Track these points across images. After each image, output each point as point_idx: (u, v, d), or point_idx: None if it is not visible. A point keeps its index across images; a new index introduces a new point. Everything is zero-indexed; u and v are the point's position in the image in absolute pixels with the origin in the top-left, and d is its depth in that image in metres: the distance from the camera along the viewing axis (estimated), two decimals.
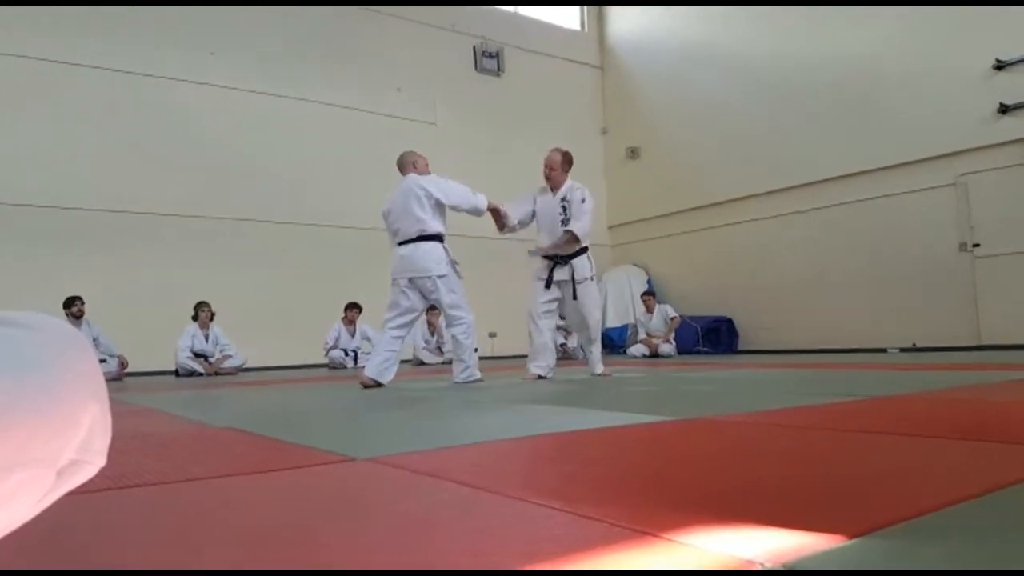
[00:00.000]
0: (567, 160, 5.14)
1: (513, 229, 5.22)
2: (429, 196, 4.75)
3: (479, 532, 1.00)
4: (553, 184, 5.14)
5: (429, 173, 4.98)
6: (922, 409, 2.57)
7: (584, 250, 5.08)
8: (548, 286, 5.08)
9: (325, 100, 10.50)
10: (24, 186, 8.40)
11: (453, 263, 4.83)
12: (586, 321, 5.12)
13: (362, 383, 4.69)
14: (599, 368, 5.21)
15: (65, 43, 8.83)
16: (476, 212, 4.92)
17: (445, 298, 4.79)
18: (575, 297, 5.02)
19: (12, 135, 8.45)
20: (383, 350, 4.83)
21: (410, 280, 4.80)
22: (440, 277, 4.74)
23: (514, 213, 5.13)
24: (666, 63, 12.11)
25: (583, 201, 4.98)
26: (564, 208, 5.00)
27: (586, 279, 5.05)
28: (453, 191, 4.83)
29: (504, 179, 11.64)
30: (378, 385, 4.67)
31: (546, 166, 5.16)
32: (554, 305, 5.14)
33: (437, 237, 4.80)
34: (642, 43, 12.73)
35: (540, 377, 4.99)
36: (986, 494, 1.08)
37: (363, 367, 4.99)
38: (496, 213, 5.03)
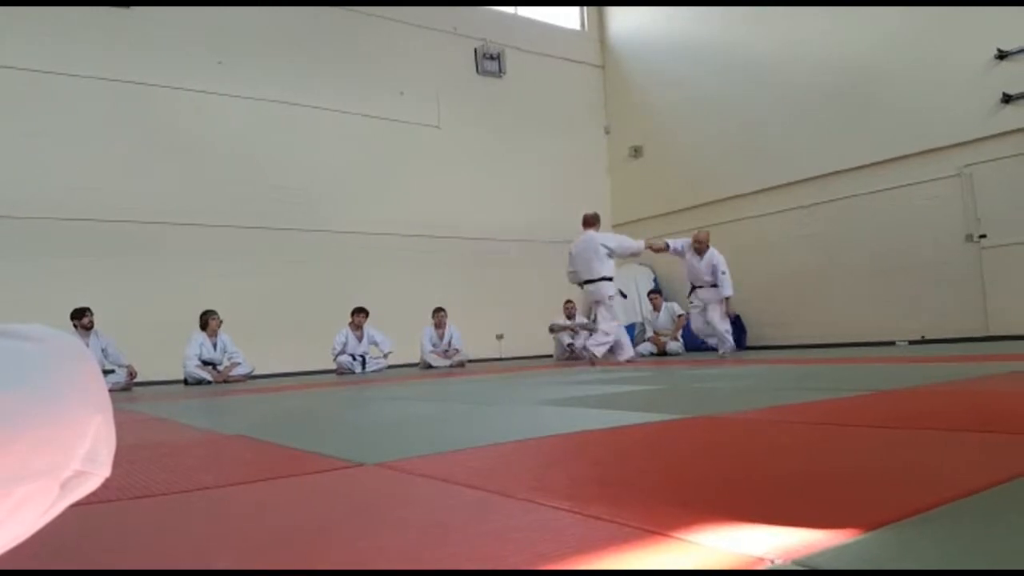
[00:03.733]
0: (708, 237, 8.00)
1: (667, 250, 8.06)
2: (605, 250, 7.34)
3: (489, 535, 1.00)
4: (700, 250, 7.83)
5: (599, 228, 7.70)
6: (931, 402, 2.56)
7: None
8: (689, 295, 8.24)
9: (328, 106, 10.53)
10: (31, 198, 8.44)
11: (614, 294, 7.45)
12: (715, 326, 7.94)
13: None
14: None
15: (69, 54, 8.87)
16: (639, 254, 7.83)
17: (601, 313, 7.46)
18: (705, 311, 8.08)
19: (19, 147, 8.50)
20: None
21: (592, 304, 7.81)
22: (602, 301, 7.44)
23: (674, 246, 7.96)
24: (667, 61, 12.10)
25: (724, 273, 7.77)
26: (713, 271, 7.84)
27: (718, 302, 7.97)
28: (623, 246, 7.55)
29: (508, 179, 11.72)
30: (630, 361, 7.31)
31: (697, 241, 7.85)
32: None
33: (608, 279, 7.43)
34: (643, 42, 12.72)
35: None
36: (997, 485, 1.07)
37: (372, 371, 5.29)
38: (653, 246, 7.74)
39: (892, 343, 8.54)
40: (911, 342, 8.46)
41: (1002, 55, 7.90)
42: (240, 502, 1.37)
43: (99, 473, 0.74)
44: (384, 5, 11.07)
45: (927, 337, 8.46)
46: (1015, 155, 7.90)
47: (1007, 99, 7.87)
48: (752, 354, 8.61)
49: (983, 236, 8.15)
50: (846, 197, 9.39)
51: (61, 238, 8.56)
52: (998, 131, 7.99)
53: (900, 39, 8.79)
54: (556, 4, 13.07)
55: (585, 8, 13.51)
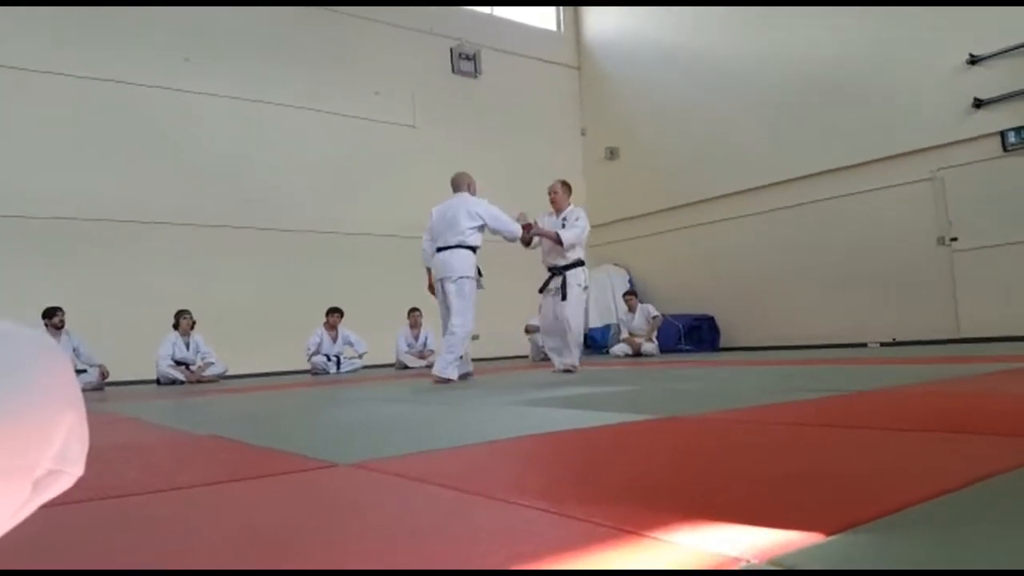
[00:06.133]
0: (566, 187, 6.05)
1: (532, 246, 6.03)
2: (478, 216, 5.48)
3: (465, 535, 1.00)
4: (556, 207, 5.99)
5: (477, 192, 5.79)
6: (902, 403, 2.60)
7: (579, 264, 5.81)
8: (541, 291, 5.93)
9: (304, 104, 10.45)
10: (2, 196, 8.28)
11: (478, 275, 5.50)
12: (569, 323, 5.69)
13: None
14: (568, 360, 5.75)
15: (42, 51, 8.72)
16: (513, 238, 5.67)
17: (454, 298, 5.37)
18: (564, 298, 5.71)
19: None
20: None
21: (441, 282, 5.46)
22: (459, 279, 5.37)
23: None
24: (642, 63, 12.16)
25: (577, 219, 5.82)
26: (564, 225, 5.82)
27: (575, 286, 5.76)
28: (498, 218, 5.57)
29: (484, 180, 11.59)
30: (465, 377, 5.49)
31: (549, 192, 6.05)
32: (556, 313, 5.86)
33: (472, 248, 5.49)
34: (618, 43, 12.77)
35: (569, 370, 5.72)
36: (968, 486, 1.09)
37: (347, 371, 5.24)
38: (527, 229, 5.74)
39: (864, 345, 8.66)
40: (882, 344, 8.58)
41: (974, 60, 8.04)
42: (214, 502, 1.36)
43: (72, 472, 0.73)
44: (361, 5, 11.01)
45: (898, 339, 8.58)
46: (986, 159, 8.03)
47: (978, 104, 8.00)
48: (725, 355, 8.69)
49: (954, 239, 8.28)
50: (819, 200, 9.50)
51: (33, 237, 8.41)
52: (970, 135, 8.11)
53: (872, 43, 8.90)
54: (530, 4, 13.06)
55: (561, 9, 13.53)
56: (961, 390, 2.93)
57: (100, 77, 9.07)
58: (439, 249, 5.49)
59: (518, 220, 5.71)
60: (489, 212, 5.53)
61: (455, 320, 5.32)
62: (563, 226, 5.78)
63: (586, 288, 5.95)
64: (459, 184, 5.80)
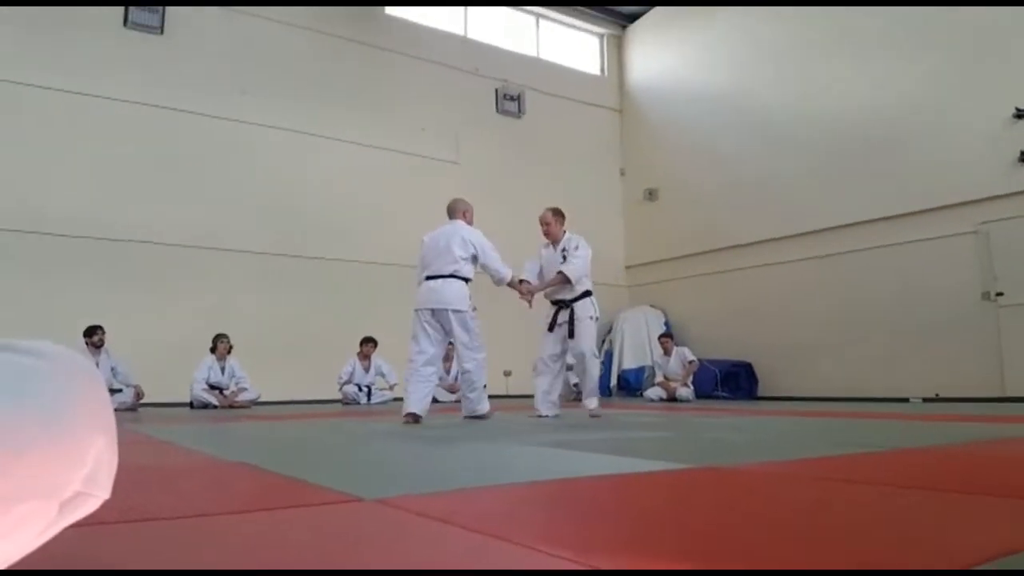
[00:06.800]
0: (559, 215, 5.67)
1: (533, 293, 5.54)
2: (471, 245, 5.19)
3: None
4: (552, 238, 5.66)
5: (472, 223, 5.44)
6: (942, 463, 2.51)
7: (587, 294, 5.49)
8: (551, 329, 5.48)
9: (351, 139, 10.66)
10: (51, 214, 8.54)
11: (472, 307, 5.16)
12: (585, 359, 5.41)
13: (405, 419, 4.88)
14: (592, 404, 5.44)
15: (101, 77, 9.04)
16: (499, 280, 5.32)
17: (459, 334, 5.10)
18: (571, 335, 5.36)
19: (41, 164, 8.62)
20: (419, 384, 5.01)
21: (432, 312, 5.10)
22: (456, 312, 5.06)
23: (531, 276, 5.59)
24: (685, 106, 12.20)
25: (576, 248, 5.47)
26: (564, 257, 5.48)
27: (585, 318, 5.42)
28: (490, 254, 5.27)
29: (524, 216, 11.65)
30: (417, 420, 4.86)
31: (541, 223, 5.67)
32: (559, 350, 5.51)
33: (465, 280, 5.18)
34: (660, 87, 12.84)
35: (542, 416, 5.34)
36: (1012, 554, 1.04)
37: (377, 403, 5.13)
38: (517, 287, 5.41)
39: (906, 400, 8.44)
40: (925, 399, 8.35)
41: (1020, 114, 7.92)
42: (237, 531, 1.35)
43: (98, 495, 0.73)
44: (406, 46, 11.29)
45: (941, 395, 8.35)
46: None
47: None
48: (762, 404, 8.52)
49: (1000, 294, 8.09)
50: (860, 249, 9.36)
51: (77, 256, 8.64)
52: (1015, 189, 7.98)
53: (917, 94, 8.83)
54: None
55: (605, 52, 13.68)
56: (1004, 453, 2.83)
57: (154, 104, 9.36)
58: (428, 277, 5.14)
59: (524, 291, 5.40)
60: (483, 245, 5.23)
61: (466, 357, 5.10)
62: (563, 258, 5.45)
63: (597, 319, 5.54)
64: (454, 211, 5.43)
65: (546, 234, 5.66)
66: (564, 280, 5.38)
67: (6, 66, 8.56)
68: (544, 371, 5.50)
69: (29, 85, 8.67)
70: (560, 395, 5.67)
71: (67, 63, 8.90)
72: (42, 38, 8.78)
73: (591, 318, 5.46)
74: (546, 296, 5.60)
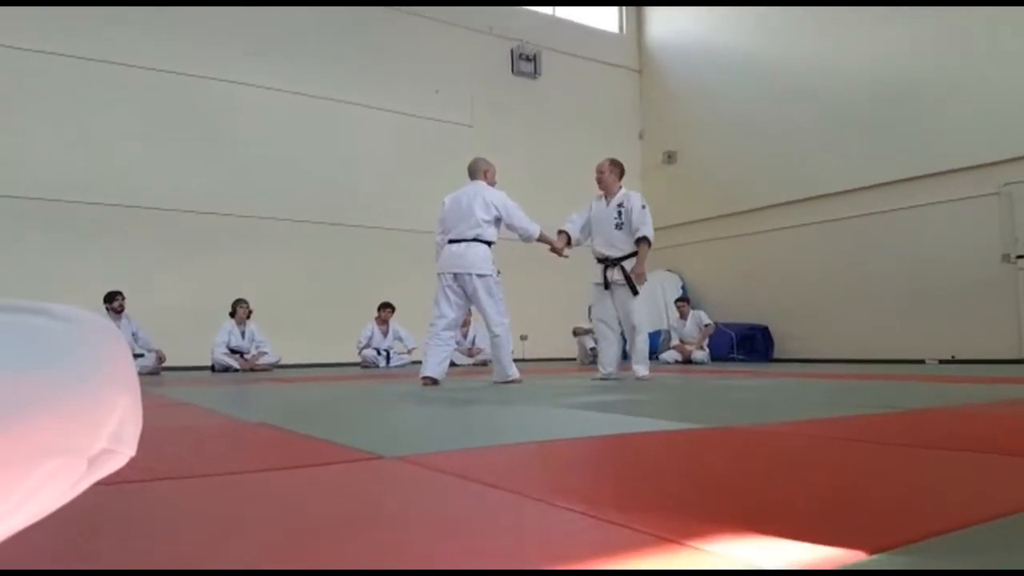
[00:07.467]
0: (616, 166, 5.45)
1: (571, 246, 5.45)
2: (493, 208, 5.03)
3: (503, 533, 1.01)
4: (606, 190, 5.44)
5: (496, 183, 5.25)
6: (960, 423, 2.51)
7: (635, 253, 5.29)
8: (607, 287, 5.32)
9: (363, 102, 10.60)
10: (67, 182, 8.61)
11: (496, 271, 5.06)
12: (635, 324, 5.31)
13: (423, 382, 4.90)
14: (641, 371, 5.33)
15: (115, 43, 9.03)
16: (528, 237, 5.18)
17: (484, 299, 4.99)
18: (635, 293, 5.26)
19: (55, 132, 8.67)
20: (437, 348, 5.00)
21: (455, 276, 5.00)
22: (480, 276, 4.96)
23: (573, 229, 5.45)
24: (704, 67, 12.01)
25: (643, 208, 5.30)
26: (620, 213, 5.30)
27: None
28: (515, 213, 5.10)
29: (540, 180, 11.67)
30: (435, 383, 4.86)
31: (597, 172, 5.48)
32: (615, 313, 5.39)
33: (488, 243, 5.05)
34: (680, 47, 12.63)
35: (606, 378, 5.29)
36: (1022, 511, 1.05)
37: (396, 366, 5.11)
38: (548, 239, 5.28)
39: (921, 361, 8.40)
40: (941, 361, 8.31)
41: None
42: (260, 489, 1.39)
43: (125, 452, 0.75)
44: (422, 5, 11.12)
45: (958, 357, 8.31)
46: None
47: None
48: (778, 366, 8.52)
49: (1021, 256, 7.98)
50: (881, 212, 9.25)
51: (97, 223, 8.73)
52: None
53: (940, 54, 8.65)
54: (592, 4, 13.00)
55: (624, 10, 13.44)
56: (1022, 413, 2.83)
57: (167, 70, 9.36)
58: (451, 241, 5.03)
59: (557, 243, 5.31)
60: (506, 205, 5.07)
61: (495, 322, 4.99)
62: (619, 214, 5.28)
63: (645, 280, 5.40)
64: (476, 170, 5.25)
65: (599, 182, 5.46)
66: (646, 243, 5.25)
67: (36, 37, 8.59)
68: (607, 334, 5.45)
69: (54, 54, 8.69)
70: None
71: (80, 29, 8.89)
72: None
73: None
74: (595, 252, 5.46)
